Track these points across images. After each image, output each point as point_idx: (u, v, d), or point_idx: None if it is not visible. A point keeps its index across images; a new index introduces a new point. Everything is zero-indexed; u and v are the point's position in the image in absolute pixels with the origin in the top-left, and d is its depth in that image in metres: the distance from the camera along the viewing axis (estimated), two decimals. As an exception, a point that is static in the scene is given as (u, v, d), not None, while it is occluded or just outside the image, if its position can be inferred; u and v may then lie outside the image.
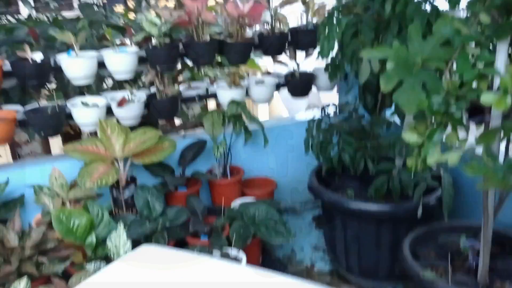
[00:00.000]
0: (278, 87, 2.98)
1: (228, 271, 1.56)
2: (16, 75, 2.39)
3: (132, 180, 2.56)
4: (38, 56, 2.45)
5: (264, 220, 2.49)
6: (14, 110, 2.50)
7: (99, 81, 3.08)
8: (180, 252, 1.68)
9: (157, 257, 1.64)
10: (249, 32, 2.81)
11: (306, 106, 2.99)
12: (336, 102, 2.95)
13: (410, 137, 1.48)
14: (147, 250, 1.70)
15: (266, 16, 2.74)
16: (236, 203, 2.82)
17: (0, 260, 2.09)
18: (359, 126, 2.51)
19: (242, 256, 2.31)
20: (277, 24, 2.76)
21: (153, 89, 2.77)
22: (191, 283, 1.51)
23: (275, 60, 3.04)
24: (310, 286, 1.38)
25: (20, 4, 4.09)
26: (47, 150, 4.12)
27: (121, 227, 2.20)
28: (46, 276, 2.12)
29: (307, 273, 2.67)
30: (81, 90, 2.95)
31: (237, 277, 1.53)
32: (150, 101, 2.65)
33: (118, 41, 2.75)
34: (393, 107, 2.53)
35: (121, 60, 2.51)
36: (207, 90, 2.93)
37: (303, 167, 3.14)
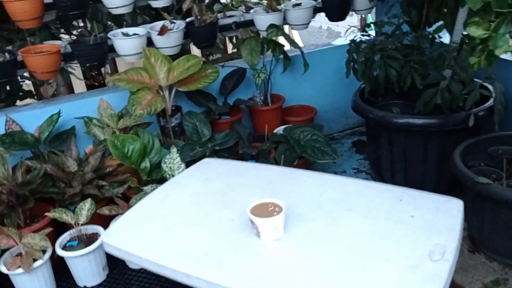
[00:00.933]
0: (314, 11, 2.92)
1: (293, 173, 1.60)
2: (57, 7, 2.39)
3: (177, 109, 2.60)
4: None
5: (309, 141, 2.52)
6: (58, 43, 2.53)
7: (134, 15, 3.07)
8: (241, 162, 1.72)
9: (221, 165, 1.69)
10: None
11: (346, 30, 2.93)
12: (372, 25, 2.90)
13: (474, 31, 1.46)
14: (210, 161, 1.74)
15: None
16: (278, 129, 2.85)
17: (62, 185, 2.18)
18: (404, 42, 2.47)
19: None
20: None
21: (189, 18, 2.75)
22: (260, 181, 1.55)
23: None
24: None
25: None
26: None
27: (174, 150, 2.26)
28: (108, 198, 2.21)
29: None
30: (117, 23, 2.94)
31: (303, 175, 1.57)
32: (188, 29, 2.64)
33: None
34: (436, 24, 2.48)
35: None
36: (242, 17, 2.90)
37: (341, 94, 3.15)
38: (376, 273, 1.12)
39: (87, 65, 2.49)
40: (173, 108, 2.57)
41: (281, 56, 2.88)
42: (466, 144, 2.19)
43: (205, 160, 1.76)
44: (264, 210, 1.27)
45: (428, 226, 1.25)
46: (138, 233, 1.37)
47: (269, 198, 1.31)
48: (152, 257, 1.26)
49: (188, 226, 1.37)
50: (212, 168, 1.68)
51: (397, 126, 2.33)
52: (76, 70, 3.85)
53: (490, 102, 2.21)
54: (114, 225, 1.50)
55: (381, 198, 1.39)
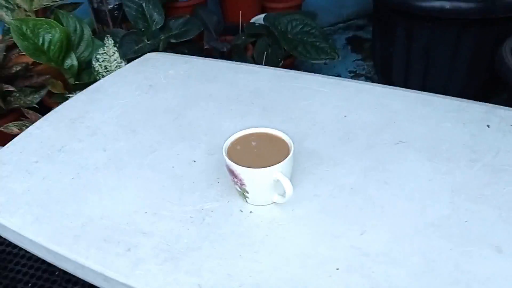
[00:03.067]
0: None
1: (296, 77, 0.98)
2: None
3: (116, -15, 1.86)
4: None
5: (299, 34, 1.87)
6: None
7: None
8: (208, 59, 1.08)
9: (176, 63, 1.04)
10: None
11: None
12: None
13: None
14: (158, 57, 1.09)
15: None
16: (257, 18, 2.17)
17: None
18: None
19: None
20: None
21: None
22: (241, 91, 0.94)
23: None
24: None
25: None
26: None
27: (110, 43, 1.58)
28: (18, 110, 1.55)
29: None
30: None
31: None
32: None
33: None
34: None
35: None
36: None
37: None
38: (484, 267, 0.56)
39: None
40: (111, -17, 1.83)
41: None
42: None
43: (150, 55, 1.11)
44: (254, 149, 0.68)
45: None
46: (23, 188, 0.76)
47: (260, 127, 0.70)
48: (34, 235, 0.66)
49: (112, 173, 0.76)
50: (160, 68, 1.04)
51: (422, 12, 1.69)
52: None
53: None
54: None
55: (447, 121, 0.80)
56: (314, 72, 1.00)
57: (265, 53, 1.85)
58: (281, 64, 1.85)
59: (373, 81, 2.24)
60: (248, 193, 0.66)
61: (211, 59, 1.07)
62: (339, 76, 2.30)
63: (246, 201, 0.68)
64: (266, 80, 0.97)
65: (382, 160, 0.74)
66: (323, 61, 1.84)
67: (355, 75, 2.32)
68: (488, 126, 0.78)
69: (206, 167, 0.75)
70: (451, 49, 1.76)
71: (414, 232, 0.61)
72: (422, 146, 0.76)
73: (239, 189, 0.66)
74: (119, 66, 1.55)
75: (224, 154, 0.65)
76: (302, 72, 0.99)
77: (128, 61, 1.54)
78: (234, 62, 1.05)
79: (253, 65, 1.05)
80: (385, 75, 2.07)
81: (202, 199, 0.69)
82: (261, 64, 1.84)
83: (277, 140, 0.68)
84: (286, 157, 0.64)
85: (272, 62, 1.85)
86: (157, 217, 0.67)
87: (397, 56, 1.90)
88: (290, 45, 1.83)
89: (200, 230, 0.64)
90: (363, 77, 2.29)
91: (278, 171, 0.63)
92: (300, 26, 1.88)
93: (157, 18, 1.75)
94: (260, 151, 0.67)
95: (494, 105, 0.84)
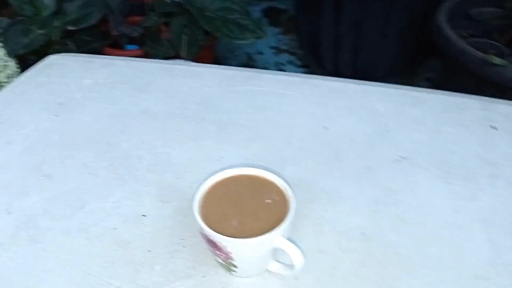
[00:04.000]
0: None
1: (252, 77, 0.79)
2: None
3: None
4: None
5: (219, 11, 1.66)
6: None
7: None
8: (124, 58, 0.85)
9: (89, 67, 0.80)
10: None
11: None
12: None
13: None
14: (62, 60, 0.84)
15: None
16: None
17: None
18: None
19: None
20: None
21: None
22: (189, 103, 0.74)
23: None
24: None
25: None
26: None
27: (-10, 36, 1.26)
28: None
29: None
30: None
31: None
32: None
33: None
34: None
35: None
36: None
37: None
38: None
39: None
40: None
41: None
42: (447, 7, 1.53)
43: (54, 58, 0.85)
44: (237, 203, 0.48)
45: None
46: None
47: (239, 168, 0.51)
48: None
49: (26, 250, 0.53)
50: (70, 76, 0.79)
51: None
52: None
53: None
54: None
55: (446, 124, 0.67)
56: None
57: (183, 36, 1.62)
58: (202, 43, 1.63)
59: (297, 57, 2.10)
60: (236, 267, 0.47)
61: (137, 59, 0.84)
62: (261, 53, 2.12)
63: (231, 274, 0.49)
64: (214, 84, 0.77)
65: (388, 188, 0.58)
66: (249, 41, 1.65)
67: (279, 51, 2.16)
68: (495, 128, 0.66)
69: (162, 223, 0.55)
70: (382, 21, 1.67)
71: (459, 291, 0.47)
72: (428, 162, 0.61)
73: (223, 262, 0.47)
74: (5, 66, 1.24)
75: (197, 217, 0.45)
76: (257, 70, 0.80)
77: (20, 60, 1.24)
78: (168, 62, 0.84)
79: (192, 63, 0.84)
80: (312, 50, 1.94)
81: (166, 276, 0.49)
82: (179, 49, 1.61)
83: (265, 185, 0.49)
84: (285, 213, 0.46)
85: (195, 46, 1.62)
86: (107, 317, 0.46)
87: (325, 31, 1.77)
88: (211, 25, 1.61)
89: (175, 331, 0.45)
90: (286, 53, 2.14)
91: (279, 236, 0.45)
92: (219, 1, 1.66)
93: (47, 0, 1.43)
94: (246, 206, 0.48)
95: (490, 98, 0.72)
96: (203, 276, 0.49)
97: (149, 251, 0.52)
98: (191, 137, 0.67)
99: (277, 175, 0.49)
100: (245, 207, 0.47)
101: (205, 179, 0.49)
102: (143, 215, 0.56)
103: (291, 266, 0.46)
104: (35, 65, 0.83)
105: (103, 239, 0.53)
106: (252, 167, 0.50)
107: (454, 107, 0.70)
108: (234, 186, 0.49)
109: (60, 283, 0.49)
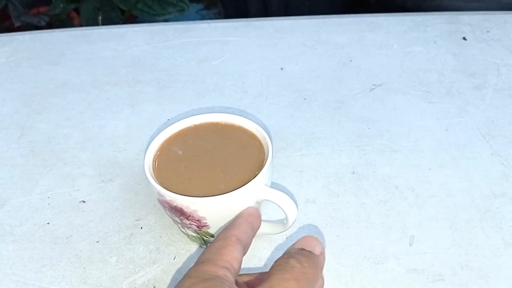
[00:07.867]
0: None
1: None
2: None
3: None
4: None
5: (134, -12, 1.51)
6: None
7: None
8: (27, 32, 0.72)
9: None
10: None
11: None
12: None
13: None
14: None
15: None
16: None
17: None
18: None
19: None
20: None
21: None
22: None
23: None
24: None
25: None
26: None
27: None
28: None
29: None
30: None
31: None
32: None
33: None
34: None
35: None
36: None
37: None
38: None
39: None
40: None
41: None
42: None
43: None
44: (199, 156, 0.38)
45: None
46: None
47: (194, 116, 0.41)
48: None
49: None
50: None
51: None
52: None
53: None
54: None
55: (413, 44, 0.60)
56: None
57: (99, 20, 1.46)
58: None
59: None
60: (212, 236, 0.37)
61: (44, 30, 0.70)
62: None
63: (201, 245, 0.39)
64: (142, 43, 0.65)
65: (368, 119, 0.50)
66: (171, 16, 1.52)
67: None
68: (464, 38, 0.60)
69: (107, 207, 0.43)
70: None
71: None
72: (405, 85, 0.54)
73: (195, 234, 0.37)
74: None
75: (152, 182, 0.35)
76: (189, 21, 0.69)
77: None
78: (77, 28, 0.70)
79: (107, 26, 0.71)
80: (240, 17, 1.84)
81: (125, 268, 0.38)
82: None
83: (232, 130, 0.39)
84: (262, 157, 0.36)
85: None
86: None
87: (251, -6, 1.67)
88: (127, 3, 1.47)
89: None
90: None
91: (263, 186, 0.35)
92: (132, -22, 1.52)
93: None
94: (213, 158, 0.37)
95: (452, 12, 0.66)
96: (173, 258, 0.39)
97: (97, 242, 0.40)
98: (126, 103, 0.55)
99: (244, 117, 0.40)
100: (213, 159, 0.37)
101: (153, 137, 0.38)
102: (82, 201, 0.44)
103: (281, 223, 0.37)
104: None
105: (34, 239, 0.41)
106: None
107: (417, 26, 0.63)
108: (194, 138, 0.39)
109: None
